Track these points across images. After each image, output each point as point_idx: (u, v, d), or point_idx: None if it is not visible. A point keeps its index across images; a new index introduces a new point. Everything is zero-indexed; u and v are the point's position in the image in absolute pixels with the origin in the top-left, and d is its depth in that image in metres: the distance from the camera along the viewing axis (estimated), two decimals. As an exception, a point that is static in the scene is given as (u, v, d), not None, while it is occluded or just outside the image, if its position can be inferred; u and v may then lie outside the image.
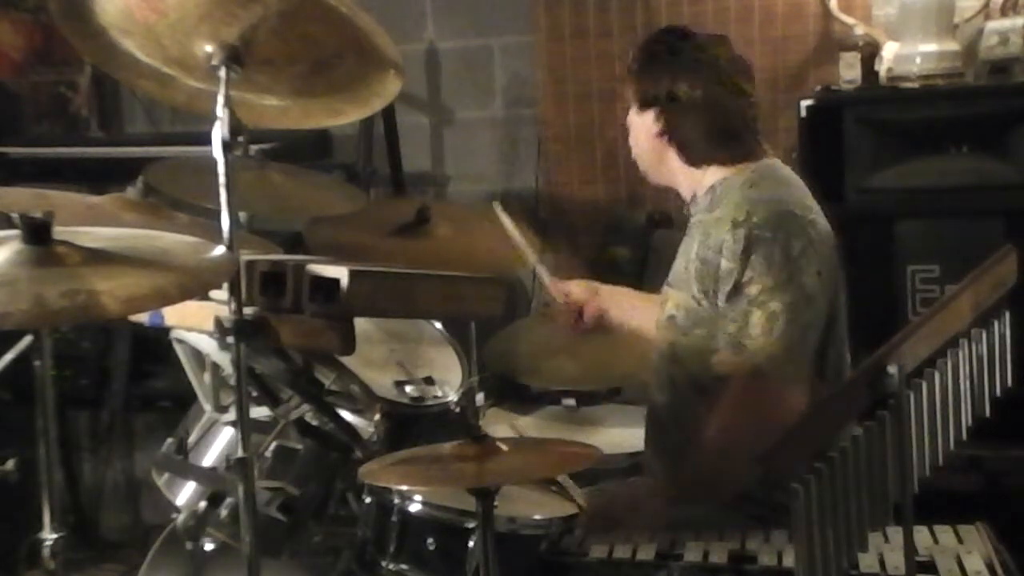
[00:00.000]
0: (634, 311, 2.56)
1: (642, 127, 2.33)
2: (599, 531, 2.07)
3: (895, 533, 1.85)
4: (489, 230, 2.62)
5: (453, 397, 2.52)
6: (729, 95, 2.25)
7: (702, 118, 2.26)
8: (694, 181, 2.31)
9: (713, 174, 2.28)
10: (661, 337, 2.32)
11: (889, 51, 3.19)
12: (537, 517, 2.17)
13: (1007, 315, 1.72)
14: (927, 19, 3.15)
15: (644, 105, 2.31)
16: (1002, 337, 1.72)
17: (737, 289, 2.14)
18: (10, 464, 2.12)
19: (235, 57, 1.86)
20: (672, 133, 2.29)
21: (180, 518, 2.29)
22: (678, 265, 2.33)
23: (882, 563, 1.86)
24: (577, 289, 2.61)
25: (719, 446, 2.14)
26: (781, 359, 2.11)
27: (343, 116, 2.11)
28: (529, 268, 2.69)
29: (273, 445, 2.32)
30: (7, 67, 4.13)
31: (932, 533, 1.98)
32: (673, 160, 2.31)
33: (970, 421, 1.67)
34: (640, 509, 2.19)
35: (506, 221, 2.62)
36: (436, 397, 2.48)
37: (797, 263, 2.13)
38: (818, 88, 3.22)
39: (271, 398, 2.35)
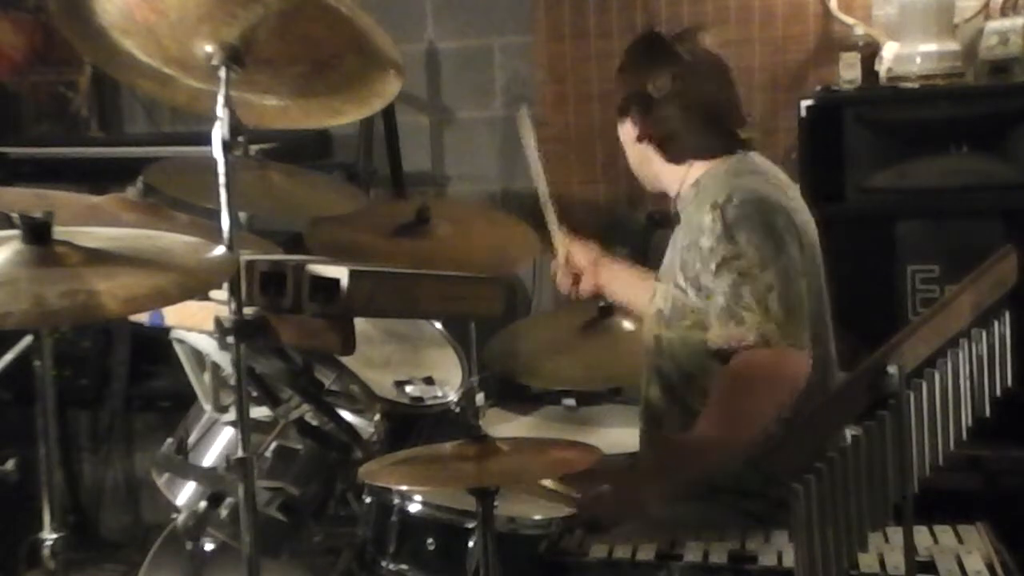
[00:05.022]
0: (634, 295, 2.55)
1: (624, 136, 2.38)
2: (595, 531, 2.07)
3: (895, 533, 1.85)
4: (489, 230, 2.62)
5: (453, 397, 2.52)
6: (698, 86, 2.27)
7: (674, 112, 2.27)
8: (679, 178, 2.32)
9: (696, 169, 2.29)
10: (648, 330, 2.32)
11: (889, 51, 3.19)
12: (537, 517, 2.17)
13: (1007, 315, 1.72)
14: (927, 19, 3.15)
15: (622, 113, 2.36)
16: (1002, 337, 1.72)
17: (723, 264, 2.11)
18: (10, 464, 2.13)
19: (235, 57, 1.86)
20: (649, 133, 2.31)
21: (180, 518, 2.29)
22: (666, 259, 2.34)
23: (882, 563, 1.86)
24: (580, 253, 2.61)
25: (729, 418, 2.10)
26: (786, 325, 2.07)
27: (343, 116, 2.11)
28: (541, 199, 2.66)
29: (273, 445, 2.32)
30: (7, 67, 4.13)
31: (932, 533, 1.98)
32: (656, 161, 2.33)
33: (970, 421, 1.67)
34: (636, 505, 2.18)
35: (529, 137, 2.62)
36: (436, 397, 2.48)
37: (782, 237, 2.13)
38: (818, 88, 3.22)
39: (271, 398, 2.35)
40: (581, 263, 2.61)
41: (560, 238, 2.64)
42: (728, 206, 2.13)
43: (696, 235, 2.17)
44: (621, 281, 2.60)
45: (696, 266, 2.17)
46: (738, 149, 2.30)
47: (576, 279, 2.61)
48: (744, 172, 2.25)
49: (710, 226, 2.14)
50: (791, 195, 2.26)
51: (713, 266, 2.13)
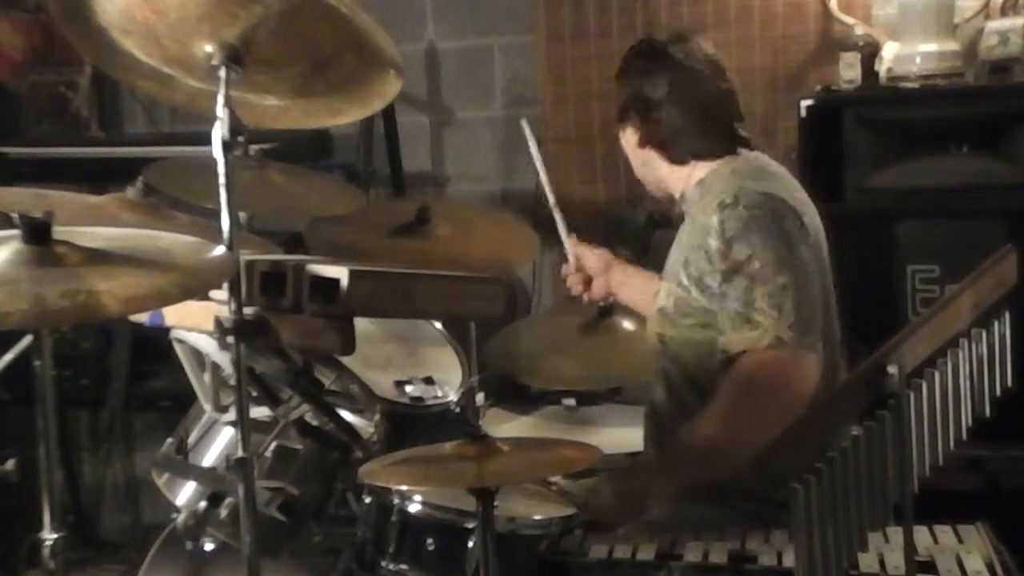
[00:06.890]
0: (646, 300, 2.52)
1: (626, 143, 2.40)
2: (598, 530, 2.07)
3: (895, 533, 1.85)
4: (489, 230, 2.62)
5: (453, 397, 2.52)
6: (694, 87, 2.28)
7: (672, 114, 2.29)
8: (682, 180, 2.33)
9: (700, 170, 2.30)
10: (652, 330, 2.32)
11: (889, 51, 3.19)
12: (537, 517, 2.17)
13: (1007, 315, 1.72)
14: (927, 19, 3.14)
15: (622, 120, 2.37)
16: (1002, 337, 1.72)
17: (735, 268, 2.11)
18: (10, 464, 2.12)
19: (235, 57, 1.86)
20: (649, 137, 2.32)
21: (180, 518, 2.29)
22: (671, 258, 2.34)
23: (882, 563, 1.86)
24: (592, 258, 2.62)
25: (735, 421, 2.08)
26: (800, 329, 2.08)
27: (343, 116, 2.11)
28: (550, 204, 2.68)
29: (273, 445, 2.31)
30: (7, 67, 4.12)
31: (932, 533, 1.98)
32: (659, 163, 2.34)
33: (970, 421, 1.67)
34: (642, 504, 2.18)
35: (533, 146, 2.64)
36: (436, 397, 2.48)
37: (792, 238, 2.13)
38: (818, 88, 3.22)
39: (271, 398, 2.35)
40: (592, 267, 2.61)
41: (570, 243, 2.66)
42: (737, 208, 2.13)
43: (702, 236, 2.17)
44: (632, 285, 2.61)
45: (701, 265, 2.16)
46: (739, 147, 2.31)
47: (588, 284, 2.62)
48: (750, 172, 2.25)
49: (717, 227, 2.13)
50: (798, 196, 2.26)
51: (722, 270, 2.13)
